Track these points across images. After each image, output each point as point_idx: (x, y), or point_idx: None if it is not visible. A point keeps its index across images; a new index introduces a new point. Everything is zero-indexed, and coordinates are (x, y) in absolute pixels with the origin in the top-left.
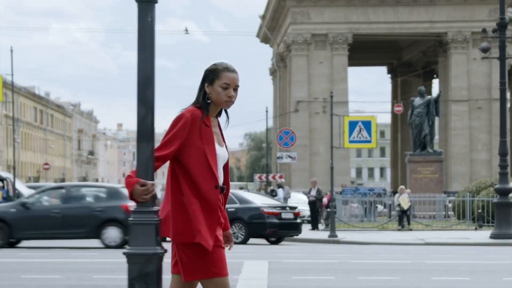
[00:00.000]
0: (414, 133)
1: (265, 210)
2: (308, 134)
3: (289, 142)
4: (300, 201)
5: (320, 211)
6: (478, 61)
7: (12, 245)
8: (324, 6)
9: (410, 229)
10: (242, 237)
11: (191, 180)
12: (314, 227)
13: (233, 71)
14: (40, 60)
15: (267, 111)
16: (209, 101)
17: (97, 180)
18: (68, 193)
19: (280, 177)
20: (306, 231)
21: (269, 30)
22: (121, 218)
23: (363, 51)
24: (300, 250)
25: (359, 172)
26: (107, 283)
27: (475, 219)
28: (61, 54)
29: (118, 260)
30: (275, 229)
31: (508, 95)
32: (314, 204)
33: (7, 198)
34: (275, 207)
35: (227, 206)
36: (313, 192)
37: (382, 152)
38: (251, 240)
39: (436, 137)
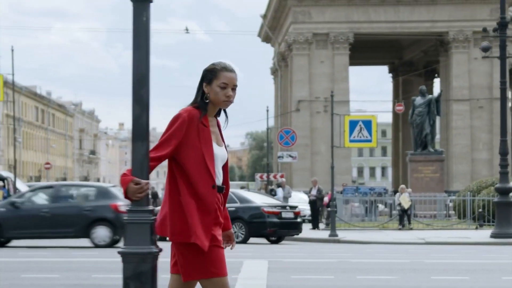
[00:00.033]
0: (415, 133)
1: (265, 209)
2: (309, 134)
3: (290, 142)
4: (301, 201)
5: (321, 211)
6: (479, 61)
7: (2, 244)
8: (325, 6)
9: (411, 229)
10: (243, 236)
11: (188, 180)
12: (315, 226)
13: (231, 70)
14: (41, 59)
15: (267, 111)
16: (207, 100)
17: (98, 180)
18: (58, 192)
19: (282, 176)
20: (307, 230)
21: (271, 29)
22: (110, 218)
23: (364, 50)
24: (300, 249)
25: (360, 171)
26: (105, 283)
27: (476, 218)
28: (62, 54)
29: (116, 259)
30: (275, 228)
31: (509, 94)
32: (315, 204)
33: (7, 198)
34: (275, 207)
35: (227, 205)
36: (314, 192)
37: (384, 152)
38: (252, 240)
39: (437, 136)
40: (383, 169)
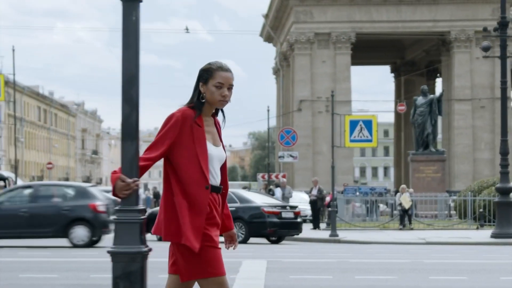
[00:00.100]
0: (417, 132)
1: (266, 209)
2: (311, 133)
3: (291, 141)
4: (302, 201)
5: (322, 211)
6: (481, 60)
7: None
8: (327, 5)
9: (412, 229)
10: (243, 236)
11: (181, 180)
12: (316, 226)
13: (227, 70)
14: (44, 59)
15: (268, 111)
16: (203, 100)
17: (101, 180)
18: (36, 192)
19: (283, 176)
20: (307, 230)
21: (272, 29)
22: (89, 217)
23: (366, 50)
24: (300, 249)
25: (363, 171)
26: (105, 283)
27: (477, 218)
28: (65, 54)
29: None
30: (276, 228)
31: (510, 94)
32: (315, 204)
33: None
34: (275, 206)
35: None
36: (314, 192)
37: (386, 152)
38: (252, 240)
39: (439, 136)
40: (386, 169)
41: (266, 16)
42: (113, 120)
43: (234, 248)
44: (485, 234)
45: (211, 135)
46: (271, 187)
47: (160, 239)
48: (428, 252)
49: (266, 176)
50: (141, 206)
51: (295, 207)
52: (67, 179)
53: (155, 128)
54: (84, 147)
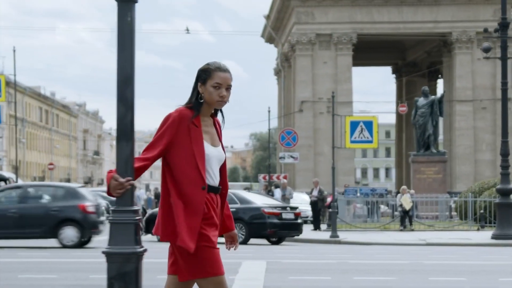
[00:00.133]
0: (418, 133)
1: (266, 210)
2: (312, 134)
3: (291, 142)
4: (303, 202)
5: (323, 212)
6: (483, 61)
7: None
8: (329, 6)
9: (412, 230)
10: (243, 237)
11: (177, 181)
12: (316, 227)
13: (225, 70)
14: (46, 60)
15: (269, 111)
16: (201, 101)
17: (102, 181)
18: (25, 193)
19: (285, 177)
20: (308, 231)
21: (274, 30)
22: (78, 218)
23: (368, 51)
24: (300, 250)
25: (364, 172)
26: (103, 283)
27: (477, 219)
28: (67, 54)
29: None
30: (276, 229)
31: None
32: (316, 205)
33: None
34: (275, 207)
35: None
36: (315, 192)
37: (388, 152)
38: (252, 240)
39: (441, 137)
40: (387, 170)
41: (268, 17)
42: (114, 121)
43: (235, 249)
44: (486, 235)
45: (209, 135)
46: (272, 187)
47: (159, 239)
48: (428, 253)
49: (267, 177)
50: (136, 207)
51: (296, 208)
52: (68, 180)
53: (156, 129)
54: (86, 147)
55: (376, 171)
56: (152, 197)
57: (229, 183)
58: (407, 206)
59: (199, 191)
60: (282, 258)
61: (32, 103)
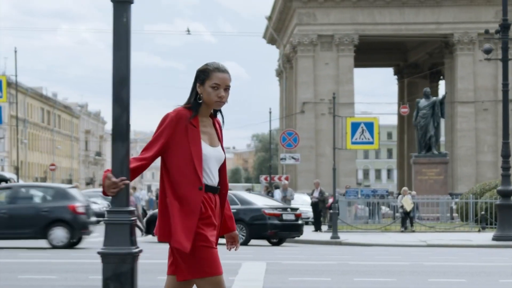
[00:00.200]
0: (419, 135)
1: (266, 211)
2: (314, 135)
3: (292, 143)
4: (305, 203)
5: (324, 213)
6: (484, 63)
7: None
8: (330, 7)
9: (413, 231)
10: (243, 238)
11: (173, 181)
12: (317, 228)
13: (224, 71)
14: (48, 61)
15: (270, 112)
16: (200, 101)
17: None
18: (16, 193)
19: (286, 178)
20: (309, 232)
21: (276, 31)
22: (68, 219)
23: (369, 52)
24: (300, 251)
25: (366, 173)
26: None
27: (479, 221)
28: (69, 55)
29: None
30: (276, 230)
31: None
32: (317, 206)
33: None
34: (276, 209)
35: None
36: (316, 194)
37: (389, 154)
38: (253, 242)
39: (442, 138)
40: (389, 171)
41: (269, 18)
42: None
43: (235, 249)
44: (487, 236)
45: (208, 135)
46: (272, 188)
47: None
48: (428, 254)
49: (268, 178)
50: (132, 207)
51: (296, 209)
52: (70, 181)
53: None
54: (88, 148)
55: (378, 172)
56: (154, 198)
57: (231, 184)
58: (408, 207)
59: (196, 191)
60: (282, 259)
61: (34, 104)
